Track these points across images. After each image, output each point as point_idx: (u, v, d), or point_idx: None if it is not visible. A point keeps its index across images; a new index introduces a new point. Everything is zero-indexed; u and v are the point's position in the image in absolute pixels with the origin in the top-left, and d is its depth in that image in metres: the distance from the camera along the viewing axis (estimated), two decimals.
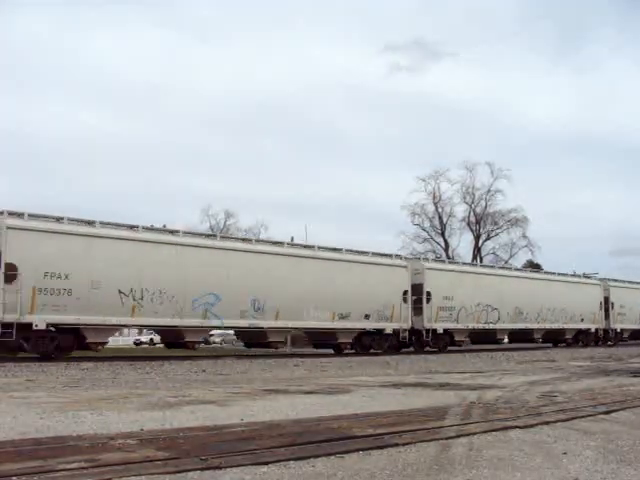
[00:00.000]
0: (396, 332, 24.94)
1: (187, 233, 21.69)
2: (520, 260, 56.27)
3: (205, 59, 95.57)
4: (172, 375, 14.09)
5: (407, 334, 25.28)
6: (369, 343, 24.59)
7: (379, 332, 24.73)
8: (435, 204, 56.27)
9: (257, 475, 4.17)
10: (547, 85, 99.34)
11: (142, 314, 19.11)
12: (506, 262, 53.28)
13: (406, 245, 55.32)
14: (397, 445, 5.18)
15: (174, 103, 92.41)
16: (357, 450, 4.94)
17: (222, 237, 24.17)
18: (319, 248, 23.78)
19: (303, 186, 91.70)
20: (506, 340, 32.06)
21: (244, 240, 24.88)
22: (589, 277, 39.00)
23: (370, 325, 24.41)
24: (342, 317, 23.44)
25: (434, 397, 9.17)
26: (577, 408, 7.76)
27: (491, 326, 29.10)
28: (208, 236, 24.36)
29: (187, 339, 20.38)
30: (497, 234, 56.76)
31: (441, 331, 26.52)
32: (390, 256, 26.68)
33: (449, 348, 27.22)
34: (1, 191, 77.61)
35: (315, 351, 25.58)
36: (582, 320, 34.29)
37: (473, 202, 56.40)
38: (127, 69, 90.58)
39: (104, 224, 18.96)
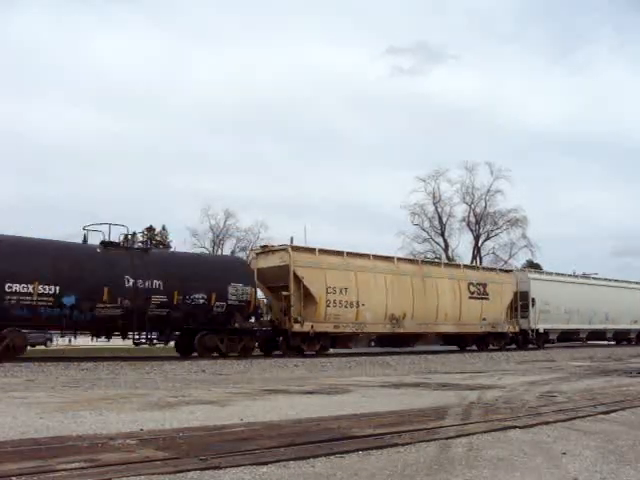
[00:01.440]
0: None
1: (600, 279, 39.55)
2: (520, 260, 56.48)
3: (205, 59, 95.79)
4: (172, 375, 14.10)
5: None
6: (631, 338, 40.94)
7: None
8: (435, 204, 56.46)
9: (257, 475, 4.17)
10: (546, 85, 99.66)
11: (566, 322, 34.20)
12: (505, 262, 53.25)
13: (406, 245, 55.50)
14: (397, 445, 5.17)
15: (174, 103, 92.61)
16: (357, 450, 4.93)
17: (594, 277, 40.50)
18: (617, 281, 40.27)
19: (303, 186, 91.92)
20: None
21: (603, 279, 40.74)
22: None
23: (636, 327, 40.48)
24: (634, 322, 39.94)
25: (434, 397, 9.17)
26: (577, 408, 7.76)
27: None
28: (584, 276, 40.07)
29: (580, 335, 36.16)
30: (497, 234, 56.88)
31: None
32: (638, 283, 43.77)
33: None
34: (1, 191, 77.74)
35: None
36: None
37: (473, 202, 56.56)
38: (127, 69, 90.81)
39: (566, 275, 36.88)
